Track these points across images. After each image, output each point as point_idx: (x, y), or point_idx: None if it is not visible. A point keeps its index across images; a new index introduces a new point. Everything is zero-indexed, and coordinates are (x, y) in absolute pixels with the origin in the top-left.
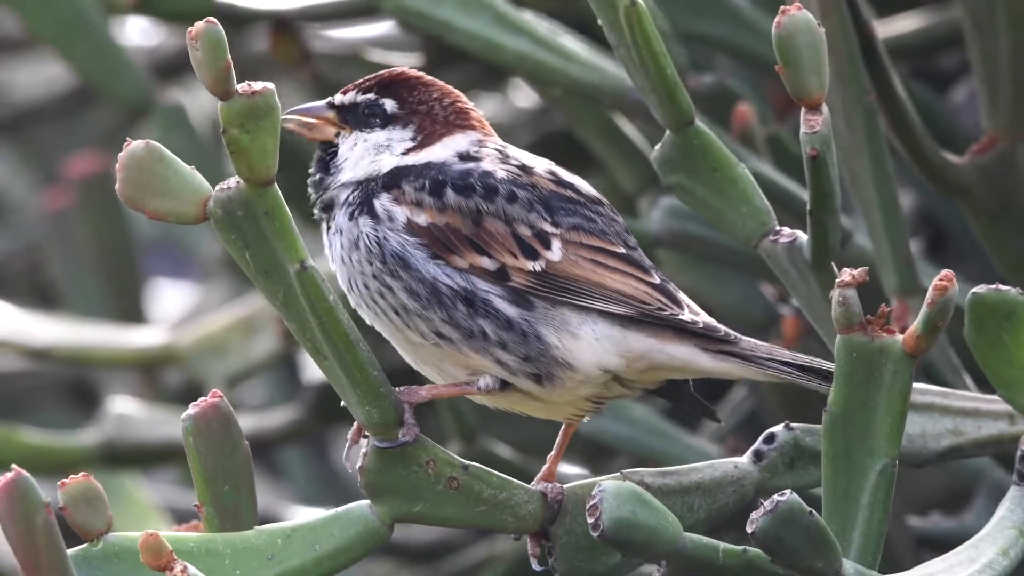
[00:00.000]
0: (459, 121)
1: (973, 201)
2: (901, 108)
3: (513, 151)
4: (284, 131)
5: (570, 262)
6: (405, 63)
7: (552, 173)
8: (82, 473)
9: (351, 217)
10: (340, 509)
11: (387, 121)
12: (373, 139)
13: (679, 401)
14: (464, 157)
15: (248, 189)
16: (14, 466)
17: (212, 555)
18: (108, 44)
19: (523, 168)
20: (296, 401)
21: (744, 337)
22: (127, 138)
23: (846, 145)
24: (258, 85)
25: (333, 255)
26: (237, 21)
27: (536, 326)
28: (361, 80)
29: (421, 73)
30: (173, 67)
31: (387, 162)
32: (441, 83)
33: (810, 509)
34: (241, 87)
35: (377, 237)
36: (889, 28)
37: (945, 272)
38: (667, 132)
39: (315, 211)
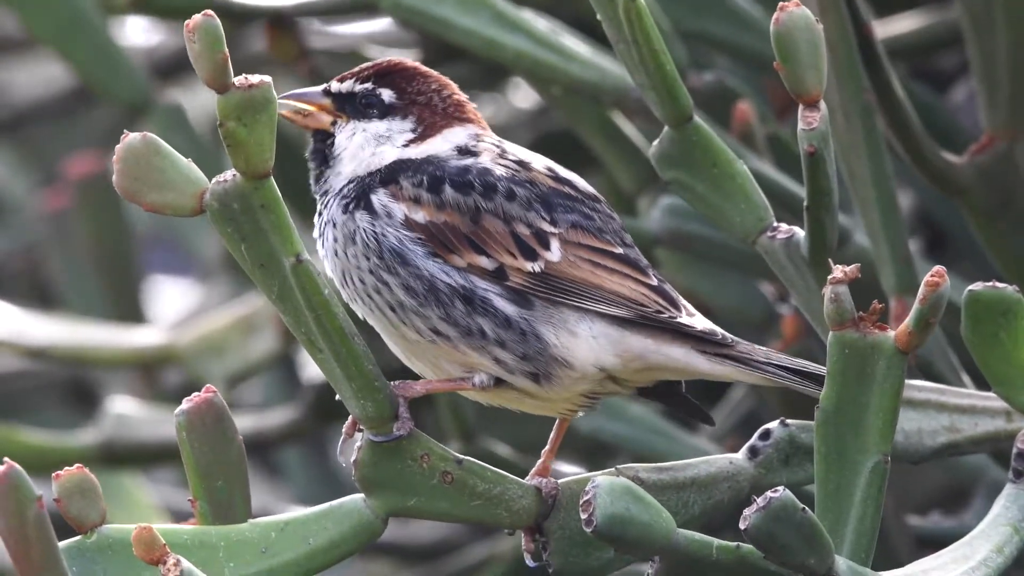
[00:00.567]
0: (457, 113)
1: (972, 201)
2: (899, 107)
3: (510, 146)
4: (280, 124)
5: (569, 263)
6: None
7: (549, 169)
8: (76, 465)
9: (346, 210)
10: (334, 503)
11: (385, 111)
12: (372, 129)
13: (672, 404)
14: (462, 151)
15: (245, 182)
16: (6, 459)
17: (206, 548)
18: (107, 44)
19: (521, 164)
20: (295, 401)
21: (741, 340)
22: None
23: (844, 143)
24: (255, 78)
25: (324, 245)
26: (235, 18)
27: (535, 325)
28: (358, 69)
29: (418, 64)
30: (172, 67)
31: (389, 154)
32: (437, 74)
33: (803, 506)
34: (238, 80)
35: (375, 233)
36: (888, 28)
37: (937, 268)
38: (665, 128)
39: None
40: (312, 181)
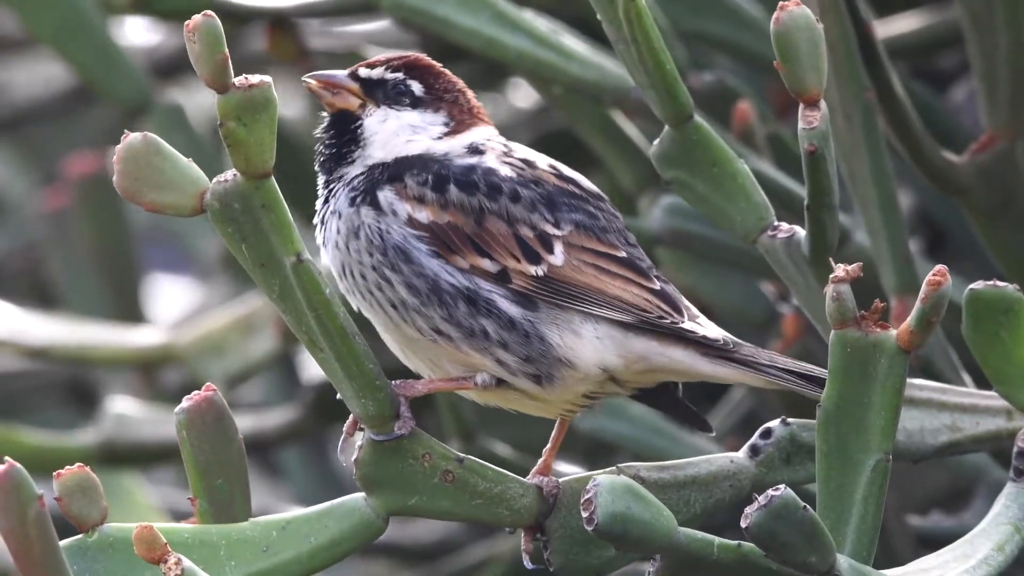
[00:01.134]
0: (479, 115)
1: (972, 200)
2: (900, 106)
3: (515, 146)
4: (280, 124)
5: (572, 267)
6: None
7: (554, 167)
8: (77, 464)
9: (352, 203)
10: (335, 501)
11: (416, 103)
12: (407, 118)
13: (669, 410)
14: (472, 150)
15: (245, 182)
16: (7, 458)
17: (207, 546)
18: (107, 44)
19: (526, 163)
20: (295, 401)
21: (744, 343)
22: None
23: (845, 143)
24: (255, 78)
25: (327, 235)
26: (235, 19)
27: (539, 327)
28: (384, 58)
29: (438, 63)
30: (172, 67)
31: (422, 144)
32: (454, 76)
33: (804, 504)
34: (238, 80)
35: (380, 229)
36: (889, 28)
37: (938, 267)
38: (666, 127)
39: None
40: (322, 160)
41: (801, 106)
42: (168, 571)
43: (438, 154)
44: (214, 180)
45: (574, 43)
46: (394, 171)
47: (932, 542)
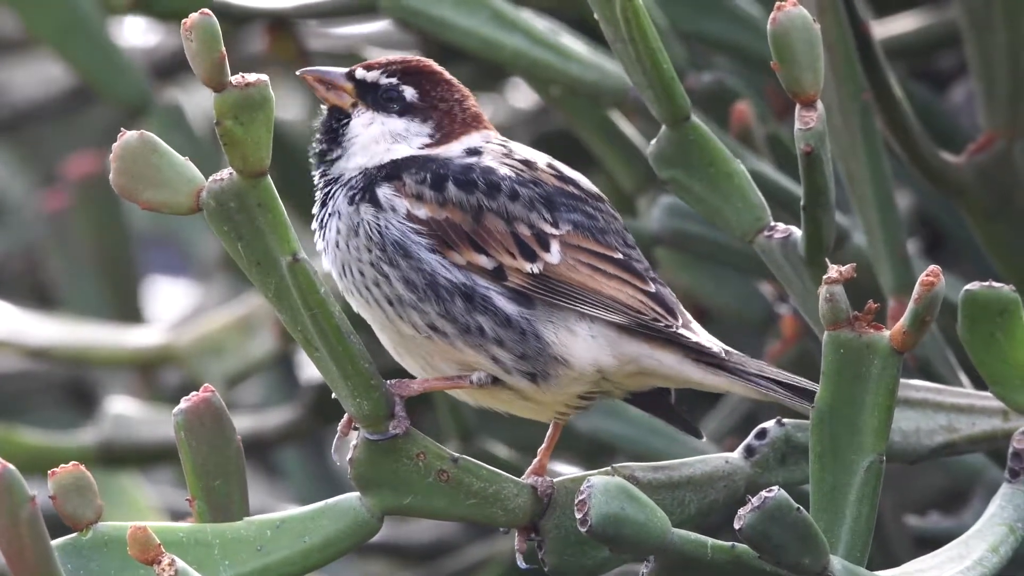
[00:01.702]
0: (474, 123)
1: (970, 200)
2: (898, 107)
3: (515, 146)
4: (278, 124)
5: (568, 266)
6: None
7: (553, 168)
8: (72, 463)
9: (352, 202)
10: (330, 501)
11: (405, 110)
12: (391, 125)
13: (661, 415)
14: (470, 151)
15: (241, 181)
16: (0, 460)
17: (201, 546)
18: (106, 44)
19: (526, 163)
20: (294, 401)
21: (734, 351)
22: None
23: (842, 143)
24: (252, 77)
25: (327, 236)
26: (234, 19)
27: (535, 324)
28: (386, 60)
29: (443, 70)
30: (171, 67)
31: (402, 152)
32: (459, 83)
33: (797, 505)
34: (235, 79)
35: (379, 225)
36: (887, 28)
37: (932, 268)
38: (663, 127)
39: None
40: (315, 155)
41: (798, 106)
42: (161, 572)
43: (421, 157)
44: (210, 178)
45: (573, 43)
46: (392, 170)
47: (930, 543)
